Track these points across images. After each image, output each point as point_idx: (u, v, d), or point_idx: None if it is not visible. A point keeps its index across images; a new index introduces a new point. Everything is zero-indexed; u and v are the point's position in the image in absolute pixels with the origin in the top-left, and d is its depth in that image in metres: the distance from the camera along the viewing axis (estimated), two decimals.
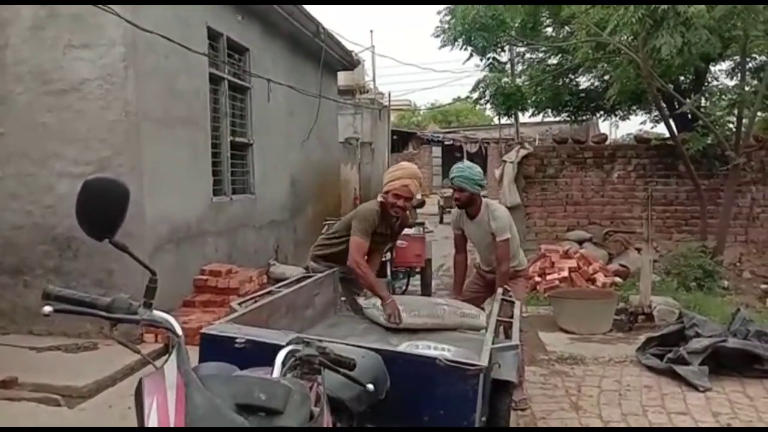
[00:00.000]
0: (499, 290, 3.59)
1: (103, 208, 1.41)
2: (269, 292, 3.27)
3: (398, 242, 6.06)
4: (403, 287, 6.73)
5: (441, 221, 16.20)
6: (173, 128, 5.61)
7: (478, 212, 4.02)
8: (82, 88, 4.95)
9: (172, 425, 1.20)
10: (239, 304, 2.86)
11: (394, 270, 6.05)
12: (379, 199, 3.86)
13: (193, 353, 1.61)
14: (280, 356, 1.54)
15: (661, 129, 9.64)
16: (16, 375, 4.05)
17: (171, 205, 5.48)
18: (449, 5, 9.10)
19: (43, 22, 4.97)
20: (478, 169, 4.06)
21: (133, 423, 1.33)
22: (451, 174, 4.08)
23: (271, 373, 1.47)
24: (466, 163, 4.23)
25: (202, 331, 2.35)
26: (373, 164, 14.25)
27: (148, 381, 1.31)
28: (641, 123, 9.92)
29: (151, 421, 1.22)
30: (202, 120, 6.14)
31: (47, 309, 1.31)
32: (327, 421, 1.46)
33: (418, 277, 7.12)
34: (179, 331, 1.40)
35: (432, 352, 2.46)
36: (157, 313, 1.43)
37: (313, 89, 9.28)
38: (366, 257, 3.75)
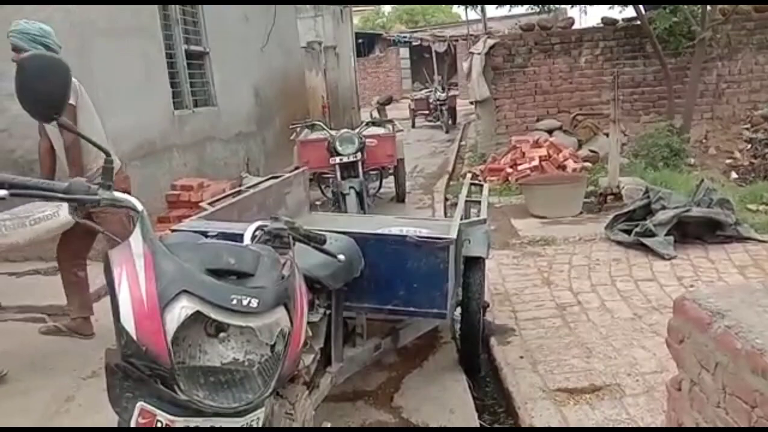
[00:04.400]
0: (468, 175, 3.63)
1: (44, 86, 1.35)
2: (239, 192, 3.26)
3: (368, 141, 6.00)
4: (376, 188, 6.70)
5: (414, 125, 16.07)
6: (122, 39, 5.32)
7: None
8: None
9: (143, 292, 1.21)
10: (209, 203, 2.85)
11: (365, 171, 5.95)
12: None
13: None
14: (249, 231, 1.56)
15: (630, 13, 9.44)
16: None
17: (130, 121, 5.29)
18: None
19: None
20: (47, 27, 3.16)
21: None
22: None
23: None
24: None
25: (173, 227, 2.35)
26: (339, 70, 13.77)
27: (115, 253, 1.31)
28: (609, 8, 9.69)
29: (123, 290, 1.23)
30: (152, 28, 5.83)
31: (2, 192, 1.28)
32: (300, 286, 1.49)
33: (392, 178, 7.08)
34: (140, 207, 1.39)
35: (403, 231, 2.52)
36: (117, 193, 1.41)
37: None
38: None
